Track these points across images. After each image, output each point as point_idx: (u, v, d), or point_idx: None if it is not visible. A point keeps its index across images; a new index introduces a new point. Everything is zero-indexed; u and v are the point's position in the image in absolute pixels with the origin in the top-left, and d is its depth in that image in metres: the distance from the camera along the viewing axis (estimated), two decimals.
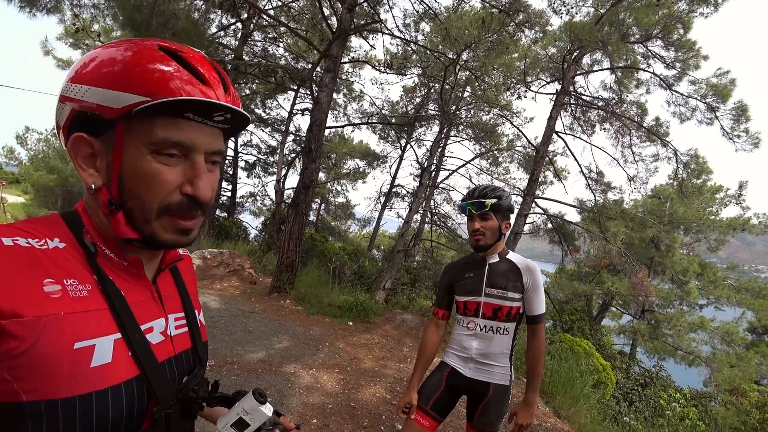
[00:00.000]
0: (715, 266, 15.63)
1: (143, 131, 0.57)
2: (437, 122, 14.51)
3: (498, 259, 1.98)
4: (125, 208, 0.59)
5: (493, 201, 1.87)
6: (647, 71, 10.60)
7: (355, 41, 12.59)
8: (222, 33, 11.93)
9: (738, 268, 16.67)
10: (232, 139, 15.80)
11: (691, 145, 11.00)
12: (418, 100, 15.07)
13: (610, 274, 15.62)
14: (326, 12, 9.95)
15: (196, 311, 0.81)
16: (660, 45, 9.95)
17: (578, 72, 11.38)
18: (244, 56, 12.35)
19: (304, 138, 16.58)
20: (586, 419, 4.86)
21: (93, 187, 0.59)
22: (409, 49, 11.50)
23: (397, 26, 10.15)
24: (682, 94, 10.29)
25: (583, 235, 14.71)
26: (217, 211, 15.81)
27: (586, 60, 11.42)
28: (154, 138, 0.56)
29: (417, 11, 9.88)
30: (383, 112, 15.33)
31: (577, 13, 10.07)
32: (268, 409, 0.76)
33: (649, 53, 10.23)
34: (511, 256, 2.00)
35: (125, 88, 0.54)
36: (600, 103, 11.82)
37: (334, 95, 12.70)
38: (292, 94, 15.37)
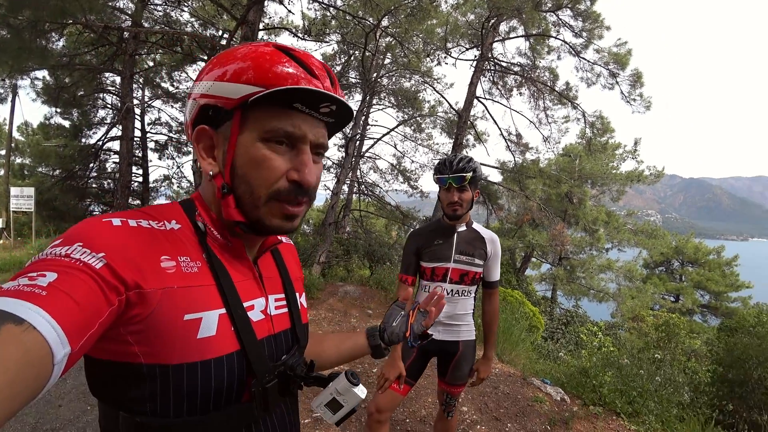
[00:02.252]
0: (617, 214, 17.78)
1: (256, 121, 0.61)
2: (359, 90, 14.26)
3: (465, 228, 2.07)
4: (236, 193, 0.64)
5: (471, 174, 1.92)
6: (558, 39, 11.29)
7: (270, 5, 11.83)
8: None
9: (634, 215, 19.13)
10: (138, 118, 14.26)
11: (596, 107, 12.07)
12: (338, 68, 14.63)
13: (530, 228, 17.04)
14: None
15: (298, 294, 0.83)
16: (569, 14, 10.61)
17: (496, 39, 11.78)
18: (144, 23, 10.99)
19: None
20: (526, 360, 5.36)
21: (211, 174, 0.65)
22: (328, 14, 11.03)
23: None
24: (588, 61, 11.17)
25: (505, 194, 15.70)
26: (129, 199, 14.33)
27: (503, 27, 11.84)
28: (266, 127, 0.61)
29: None
30: None
31: None
32: (360, 391, 0.79)
33: (560, 22, 10.87)
34: (476, 226, 2.10)
35: (242, 80, 0.59)
36: (516, 69, 12.42)
37: None
38: (202, 64, 14.07)
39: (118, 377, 0.56)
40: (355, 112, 0.68)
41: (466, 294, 2.06)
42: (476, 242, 2.04)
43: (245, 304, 0.67)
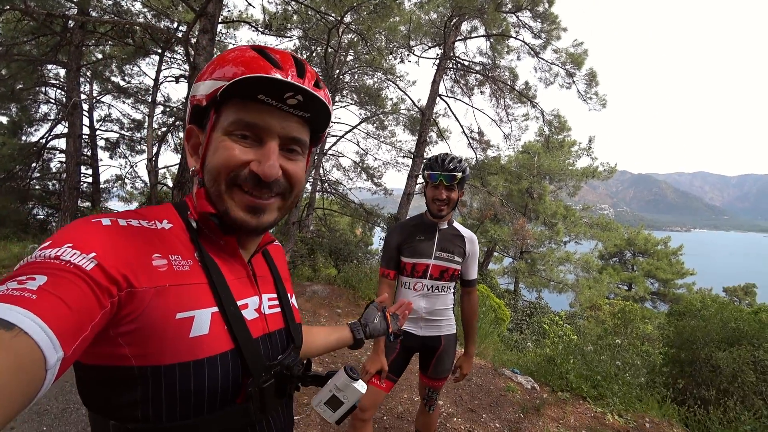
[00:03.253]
0: (574, 208, 18.61)
1: (224, 115, 0.62)
2: None
3: (447, 226, 2.08)
4: (206, 186, 0.64)
5: (461, 174, 1.93)
6: (518, 39, 11.66)
7: None
8: None
9: (589, 209, 20.09)
10: (86, 114, 13.38)
11: (554, 105, 12.58)
12: None
13: (492, 224, 17.50)
14: None
15: (289, 294, 0.82)
16: (529, 16, 10.98)
17: (458, 38, 11.99)
18: (92, 12, 10.30)
19: (176, 109, 14.74)
20: (494, 352, 5.49)
21: (192, 170, 0.67)
22: (290, 8, 10.80)
23: None
24: (546, 61, 11.60)
25: (467, 190, 16.02)
26: (78, 201, 13.42)
27: (465, 26, 12.07)
28: (230, 119, 0.61)
29: None
30: None
31: None
32: (361, 386, 0.78)
33: (520, 23, 11.22)
34: (456, 225, 2.13)
35: (214, 76, 0.61)
36: (478, 68, 12.70)
37: None
38: (156, 58, 13.39)
39: (109, 382, 0.54)
40: (329, 104, 0.66)
41: (445, 290, 2.09)
42: (456, 240, 2.07)
43: (239, 303, 0.65)
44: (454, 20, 11.22)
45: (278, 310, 0.76)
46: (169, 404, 0.55)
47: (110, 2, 11.70)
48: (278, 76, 0.59)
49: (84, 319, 0.45)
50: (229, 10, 12.19)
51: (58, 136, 12.80)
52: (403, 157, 14.85)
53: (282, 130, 0.63)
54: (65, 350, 0.42)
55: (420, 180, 13.21)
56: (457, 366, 2.19)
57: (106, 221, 0.56)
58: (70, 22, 9.88)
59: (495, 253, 19.42)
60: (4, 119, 13.24)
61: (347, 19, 10.21)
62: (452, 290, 2.15)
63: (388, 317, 1.13)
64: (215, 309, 0.61)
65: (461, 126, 13.46)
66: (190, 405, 0.57)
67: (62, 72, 12.05)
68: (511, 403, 3.58)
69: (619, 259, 25.47)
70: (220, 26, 12.56)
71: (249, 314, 0.67)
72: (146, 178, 14.45)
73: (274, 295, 0.77)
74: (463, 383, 3.94)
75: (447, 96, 12.93)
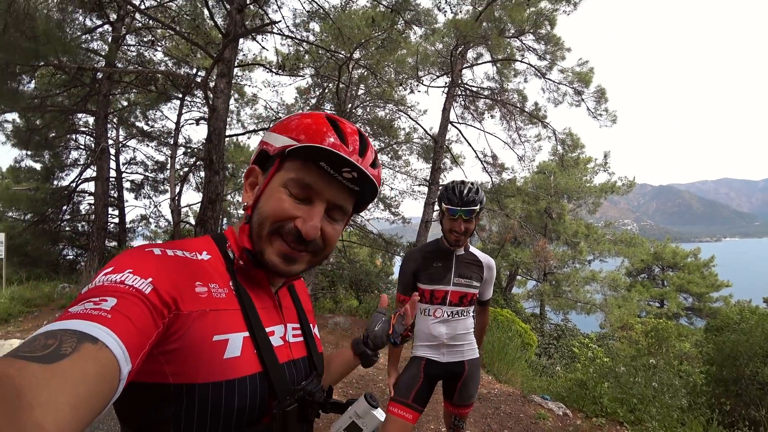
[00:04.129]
0: (596, 226, 18.20)
1: (287, 169, 0.69)
2: None
3: (463, 252, 2.09)
4: (251, 224, 0.71)
5: (480, 206, 1.94)
6: (523, 62, 11.84)
7: (243, 42, 12.00)
8: (88, 37, 10.40)
9: (612, 225, 19.64)
10: (113, 158, 14.01)
11: (565, 124, 12.61)
12: (313, 100, 14.81)
13: (513, 247, 17.23)
14: (206, 12, 9.27)
15: (311, 325, 0.88)
16: (532, 39, 11.20)
17: (464, 65, 12.25)
18: (117, 63, 10.98)
19: (197, 150, 15.28)
20: (523, 378, 5.31)
21: (244, 204, 0.74)
22: (301, 49, 11.27)
23: (287, 26, 9.87)
24: (554, 81, 11.72)
25: (485, 215, 15.91)
26: (106, 241, 13.87)
27: (471, 54, 12.35)
28: (291, 175, 0.69)
29: (307, 10, 9.71)
30: (279, 115, 14.81)
31: (459, 12, 10.83)
32: (380, 414, 0.78)
33: (524, 46, 11.44)
34: (473, 250, 2.14)
35: (285, 133, 0.70)
36: (486, 93, 12.89)
37: None
38: (177, 102, 14.06)
39: (146, 398, 0.59)
40: (378, 185, 0.74)
41: (465, 314, 2.09)
42: (473, 266, 2.08)
43: (267, 329, 0.71)
44: (460, 49, 11.51)
45: (301, 339, 0.81)
46: (200, 421, 0.59)
47: (134, 53, 12.48)
48: (342, 152, 0.66)
49: (144, 337, 0.51)
50: (244, 54, 12.84)
51: (87, 180, 13.38)
52: (419, 185, 14.94)
53: (331, 197, 0.70)
54: (132, 363, 0.48)
55: (435, 207, 13.24)
56: None
57: (157, 251, 0.63)
58: (98, 74, 10.53)
59: (518, 277, 19.02)
60: (38, 166, 13.99)
61: (356, 55, 10.58)
62: (472, 314, 2.14)
63: (392, 320, 1.08)
64: (246, 334, 0.66)
65: (474, 151, 13.54)
66: (219, 423, 0.61)
67: (91, 120, 12.71)
68: (543, 431, 3.44)
69: (648, 274, 24.55)
70: (236, 69, 13.20)
71: (275, 341, 0.72)
72: (169, 216, 14.90)
73: (298, 325, 0.82)
74: (491, 412, 3.82)
75: (458, 122, 13.10)
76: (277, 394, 0.67)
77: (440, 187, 2.11)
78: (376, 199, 0.77)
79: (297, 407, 0.70)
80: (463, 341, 2.08)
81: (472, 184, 1.97)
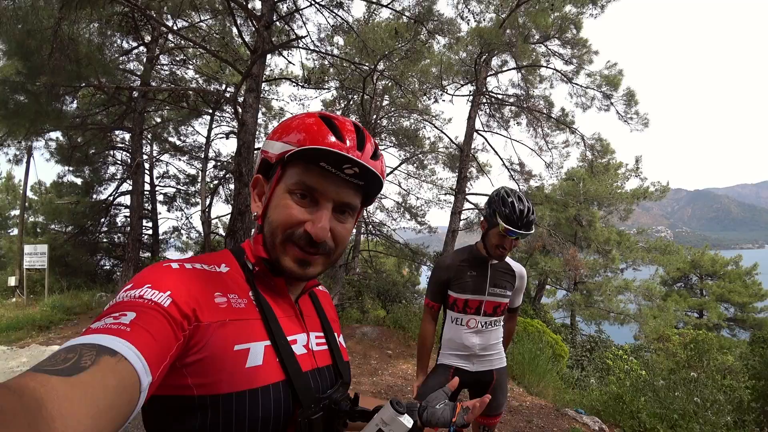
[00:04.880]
0: (628, 233, 17.59)
1: (289, 175, 0.70)
2: None
3: (497, 261, 2.06)
4: (264, 234, 0.72)
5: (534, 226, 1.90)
6: (549, 68, 11.67)
7: (270, 57, 12.35)
8: (125, 58, 10.98)
9: (645, 232, 18.94)
10: (147, 172, 14.60)
11: (594, 129, 12.26)
12: (338, 112, 15.07)
13: (542, 255, 16.83)
14: (235, 30, 9.62)
15: (336, 334, 0.87)
16: (557, 44, 11.04)
17: (489, 73, 12.19)
18: (151, 82, 11.51)
19: (226, 163, 15.76)
20: (554, 391, 5.16)
21: (255, 214, 0.75)
22: (326, 62, 11.51)
23: (313, 41, 10.11)
24: (581, 86, 11.48)
25: None
26: (140, 252, 14.42)
27: (495, 61, 12.28)
28: (293, 180, 0.69)
29: (331, 25, 9.93)
30: None
31: (482, 20, 10.82)
32: (407, 420, 0.75)
33: (549, 51, 11.29)
34: (507, 259, 2.11)
35: (282, 139, 0.70)
36: (512, 100, 12.75)
37: None
38: (207, 118, 14.59)
39: (171, 411, 0.60)
40: (382, 177, 0.74)
41: (497, 324, 2.09)
42: (507, 276, 2.07)
43: (289, 338, 0.71)
44: (484, 57, 11.46)
45: (325, 347, 0.81)
46: (225, 431, 0.60)
47: (167, 72, 13.05)
48: (340, 149, 0.66)
49: (165, 349, 0.52)
50: (271, 69, 13.20)
51: (123, 194, 14.02)
52: (445, 194, 14.88)
53: (336, 196, 0.70)
54: (153, 375, 0.49)
55: (462, 216, 13.11)
56: None
57: (175, 265, 0.64)
58: (134, 92, 11.07)
59: (547, 286, 18.55)
60: (78, 180, 14.75)
61: (380, 66, 10.71)
62: (501, 323, 2.12)
63: (458, 408, 1.01)
64: (268, 342, 0.67)
65: (501, 159, 13.38)
66: None
67: (127, 136, 13.33)
68: None
69: (685, 283, 23.43)
70: (263, 84, 13.59)
71: (298, 349, 0.72)
72: (200, 228, 15.39)
73: (321, 334, 0.82)
74: (523, 425, 3.72)
75: (484, 130, 13.00)
76: (301, 403, 0.66)
77: (494, 194, 2.02)
78: (383, 190, 0.77)
79: (322, 416, 0.69)
80: (493, 351, 2.07)
81: (528, 200, 1.87)
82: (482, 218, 2.03)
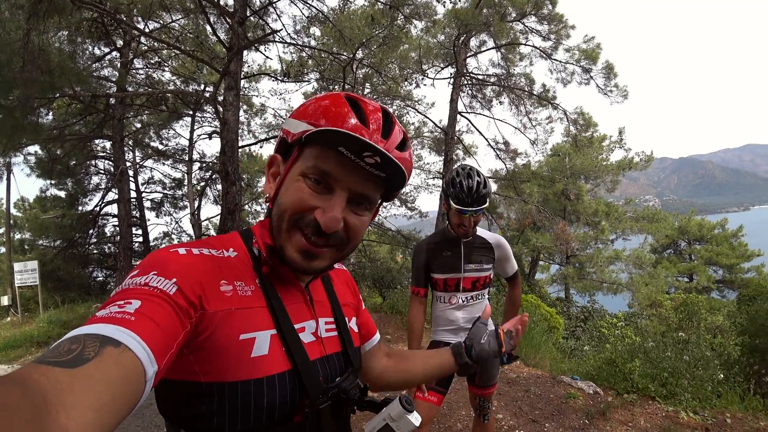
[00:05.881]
0: (616, 204, 17.83)
1: (305, 157, 0.65)
2: None
3: (470, 238, 2.10)
4: (272, 216, 0.68)
5: (488, 200, 1.92)
6: (528, 45, 11.71)
7: (246, 54, 12.18)
8: (98, 65, 10.75)
9: (633, 202, 19.23)
10: (132, 179, 14.42)
11: (576, 104, 12.39)
12: None
13: (533, 232, 17.02)
14: (209, 29, 9.46)
15: (347, 318, 0.84)
16: (535, 20, 11.05)
17: (468, 54, 12.18)
18: (128, 87, 11.31)
19: (212, 164, 15.61)
20: (551, 361, 5.30)
21: (266, 196, 0.71)
22: (304, 54, 11.39)
23: (289, 34, 9.99)
24: (560, 61, 11.54)
25: (502, 202, 15.76)
26: (132, 260, 14.30)
27: (474, 42, 12.26)
28: (309, 163, 0.64)
29: (306, 16, 9.81)
30: None
31: (458, 1, 10.76)
32: (415, 419, 0.76)
33: (527, 29, 11.32)
34: (480, 231, 2.13)
35: (303, 118, 0.65)
36: (492, 80, 12.78)
37: None
38: (188, 119, 14.39)
39: (181, 395, 0.60)
40: (408, 171, 0.67)
41: (480, 297, 2.13)
42: (483, 249, 2.10)
43: (296, 326, 0.69)
44: (462, 38, 11.44)
45: (335, 333, 0.78)
46: (231, 417, 0.60)
47: (143, 76, 12.81)
48: (360, 134, 0.60)
49: (170, 338, 0.51)
50: (249, 66, 13.02)
51: (109, 203, 13.83)
52: (433, 178, 14.94)
53: (353, 185, 0.64)
54: (158, 364, 0.48)
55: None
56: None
57: (182, 250, 0.62)
58: (111, 99, 10.87)
59: (540, 262, 18.79)
60: (62, 193, 14.52)
61: (359, 55, 10.63)
62: (487, 295, 2.17)
63: (501, 335, 0.99)
64: (274, 331, 0.65)
65: (486, 139, 13.46)
66: (249, 419, 0.61)
67: (108, 144, 13.10)
68: (574, 410, 3.45)
69: (674, 250, 23.92)
70: (243, 81, 13.42)
71: (306, 337, 0.70)
72: (191, 231, 15.27)
73: (331, 319, 0.79)
74: (521, 395, 3.84)
75: (467, 112, 13.04)
76: (308, 392, 0.65)
77: (446, 179, 2.04)
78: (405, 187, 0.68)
79: (330, 405, 0.68)
80: None
81: (479, 175, 1.89)
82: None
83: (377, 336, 0.97)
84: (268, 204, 0.71)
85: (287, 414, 0.64)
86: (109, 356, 0.43)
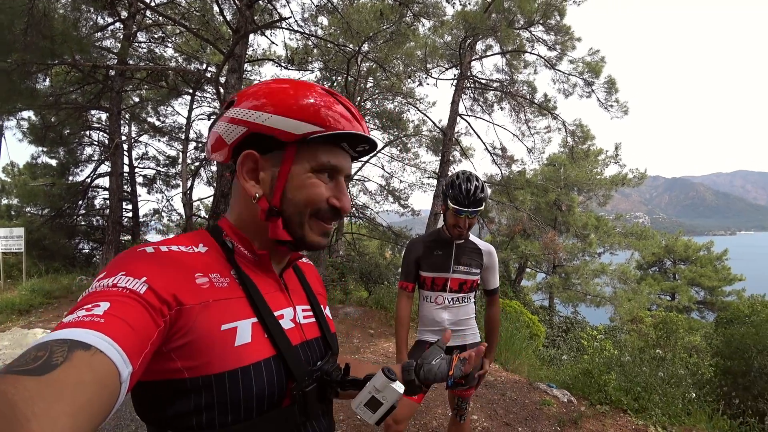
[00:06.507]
0: (606, 218, 18.06)
1: (309, 154, 0.70)
2: None
3: (463, 240, 2.16)
4: (284, 215, 0.71)
5: (484, 203, 1.99)
6: (533, 53, 11.76)
7: (252, 37, 12.08)
8: (101, 35, 10.58)
9: (622, 217, 19.49)
10: (126, 153, 14.24)
11: (575, 116, 12.50)
12: None
13: (522, 239, 17.17)
14: (216, 9, 9.37)
15: (322, 306, 0.89)
16: (542, 30, 11.10)
17: (474, 57, 12.20)
18: (129, 60, 11.15)
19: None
20: (529, 368, 5.39)
21: (257, 196, 0.70)
22: (310, 43, 11.33)
23: (296, 21, 9.93)
24: (563, 73, 11.61)
25: (494, 207, 15.88)
26: (120, 235, 14.16)
27: (480, 46, 12.28)
28: (318, 160, 0.70)
29: (315, 5, 9.75)
30: None
31: (468, 3, 10.77)
32: (398, 386, 0.78)
33: (533, 37, 11.36)
34: (473, 238, 2.20)
35: (305, 119, 0.67)
36: (495, 85, 12.83)
37: None
38: (187, 98, 14.24)
39: (164, 395, 0.59)
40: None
41: (466, 300, 2.18)
42: (473, 254, 2.15)
43: (276, 313, 0.71)
44: (469, 41, 11.45)
45: (313, 320, 0.81)
46: (220, 411, 0.60)
47: (145, 50, 12.65)
48: (364, 132, 0.72)
49: (144, 337, 0.51)
50: (253, 50, 12.93)
51: (101, 175, 13.64)
52: (428, 177, 14.97)
53: (348, 170, 0.76)
54: (133, 365, 0.48)
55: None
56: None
57: (150, 249, 0.62)
58: (111, 71, 10.71)
59: (527, 269, 18.97)
60: (53, 162, 14.29)
61: (365, 48, 10.60)
62: (473, 300, 2.22)
63: (455, 360, 1.03)
64: (254, 319, 0.66)
65: (483, 143, 13.54)
66: (240, 410, 0.61)
67: (104, 116, 12.92)
68: (548, 416, 3.52)
69: (659, 268, 24.30)
70: (246, 65, 13.31)
71: (286, 324, 0.72)
72: (182, 210, 15.16)
73: (308, 307, 0.82)
74: (497, 398, 3.91)
75: (467, 115, 13.07)
76: (294, 376, 0.67)
77: (445, 179, 2.10)
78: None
79: (316, 387, 0.70)
80: (465, 326, 2.17)
81: (477, 179, 1.97)
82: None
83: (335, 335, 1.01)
84: (260, 204, 0.70)
85: (276, 400, 0.66)
86: (79, 360, 0.42)
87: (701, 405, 3.95)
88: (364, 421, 0.82)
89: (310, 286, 0.89)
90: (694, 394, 4.13)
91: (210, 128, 0.79)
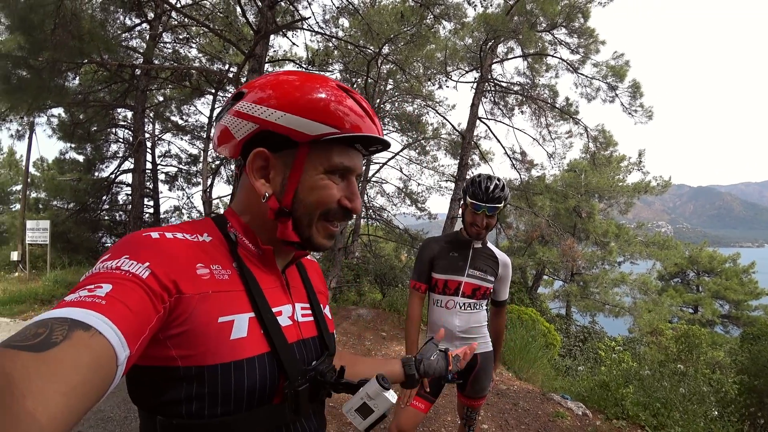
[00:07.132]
0: (627, 227, 17.61)
1: (323, 155, 0.69)
2: None
3: (481, 246, 2.11)
4: (294, 216, 0.70)
5: (504, 202, 1.95)
6: (555, 57, 11.55)
7: (273, 38, 12.21)
8: (127, 35, 10.89)
9: (645, 226, 18.99)
10: (149, 151, 14.61)
11: (598, 121, 12.23)
12: None
13: (540, 245, 16.89)
14: (239, 10, 9.52)
15: (322, 305, 0.87)
16: (564, 32, 10.88)
17: (494, 60, 12.06)
18: (154, 60, 11.43)
19: None
20: (544, 377, 5.27)
21: (266, 195, 0.69)
22: (331, 44, 11.40)
23: (317, 22, 10.00)
24: (586, 76, 11.36)
25: (513, 212, 15.66)
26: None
27: (501, 48, 12.13)
28: (332, 162, 0.69)
29: (336, 6, 9.81)
30: None
31: (489, 6, 10.66)
32: (391, 396, 0.78)
33: (556, 40, 11.15)
34: (491, 245, 2.16)
35: (320, 119, 0.66)
36: (516, 88, 12.65)
37: None
38: (210, 97, 14.51)
39: (157, 381, 0.59)
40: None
41: (478, 307, 2.10)
42: (490, 261, 2.10)
43: (274, 309, 0.70)
44: (490, 43, 11.33)
45: (311, 319, 0.81)
46: (211, 402, 0.60)
47: (170, 50, 12.94)
48: (380, 134, 0.72)
49: (143, 322, 0.51)
50: (274, 50, 13.10)
51: (125, 172, 14.04)
52: (446, 181, 14.87)
53: (359, 169, 0.74)
54: (131, 349, 0.48)
55: (460, 196, 13.09)
56: None
57: (155, 234, 0.62)
58: (137, 70, 11.01)
59: (544, 277, 18.64)
60: (80, 158, 14.77)
61: (385, 50, 10.60)
62: (485, 307, 2.16)
63: (449, 357, 1.08)
64: (252, 314, 0.66)
65: (503, 147, 13.35)
66: (230, 402, 0.61)
67: (129, 114, 13.30)
68: (561, 429, 3.43)
69: (681, 279, 23.54)
70: (267, 65, 13.48)
71: (283, 321, 0.71)
72: (201, 208, 15.41)
73: (307, 305, 0.82)
74: (509, 408, 3.82)
75: (487, 118, 12.93)
76: (287, 374, 0.66)
77: (467, 179, 2.08)
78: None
79: (308, 387, 0.69)
80: (476, 334, 2.10)
81: (498, 180, 1.96)
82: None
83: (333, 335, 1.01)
84: (270, 204, 0.69)
85: (266, 397, 0.65)
86: (79, 340, 0.42)
87: (724, 425, 3.79)
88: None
89: (311, 283, 0.88)
90: (717, 413, 3.97)
91: (216, 120, 0.76)
